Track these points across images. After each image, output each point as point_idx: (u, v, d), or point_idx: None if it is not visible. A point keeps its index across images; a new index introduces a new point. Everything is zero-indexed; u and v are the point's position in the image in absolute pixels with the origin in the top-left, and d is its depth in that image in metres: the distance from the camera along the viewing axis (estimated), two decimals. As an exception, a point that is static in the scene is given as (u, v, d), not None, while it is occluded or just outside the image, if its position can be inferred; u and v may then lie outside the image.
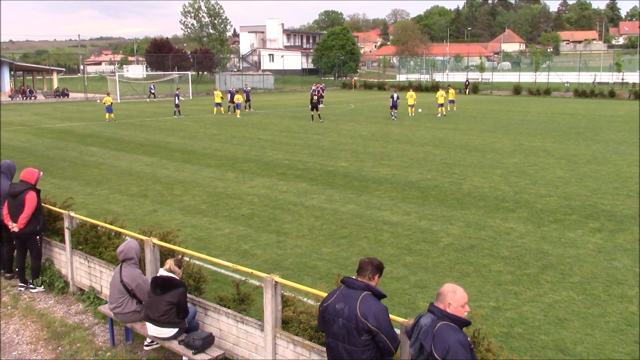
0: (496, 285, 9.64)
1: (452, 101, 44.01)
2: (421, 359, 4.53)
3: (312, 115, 37.38)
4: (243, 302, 7.19)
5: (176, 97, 42.08)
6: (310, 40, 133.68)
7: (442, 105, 40.38)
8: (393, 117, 38.00)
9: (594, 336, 7.92)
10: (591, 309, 8.75)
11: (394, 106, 38.06)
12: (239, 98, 41.43)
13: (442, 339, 4.37)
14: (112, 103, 38.66)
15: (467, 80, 71.67)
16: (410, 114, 40.52)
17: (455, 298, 4.60)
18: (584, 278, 9.98)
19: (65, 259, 9.56)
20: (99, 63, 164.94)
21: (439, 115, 39.98)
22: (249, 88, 48.36)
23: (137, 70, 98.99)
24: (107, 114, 38.06)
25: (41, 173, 9.87)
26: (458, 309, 4.57)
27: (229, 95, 44.12)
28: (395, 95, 38.36)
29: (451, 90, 44.44)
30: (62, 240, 9.66)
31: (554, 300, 9.05)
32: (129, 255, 7.51)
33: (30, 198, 9.23)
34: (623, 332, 8.01)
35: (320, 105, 48.03)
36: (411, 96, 41.05)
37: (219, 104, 43.04)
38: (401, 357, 5.40)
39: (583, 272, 10.26)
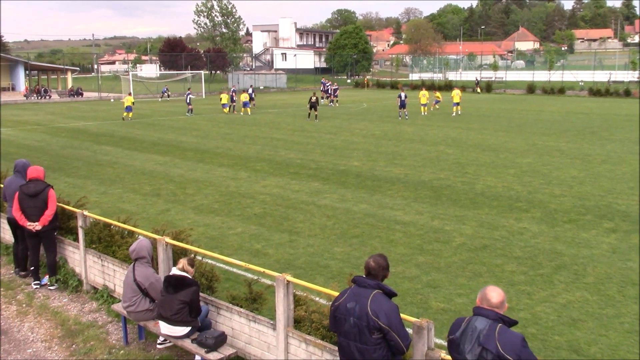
0: (509, 286, 9.59)
1: (437, 101, 44.51)
2: None
3: (315, 115, 37.39)
4: (255, 301, 7.20)
5: (187, 96, 42.91)
6: (323, 39, 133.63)
7: (457, 104, 40.16)
8: (400, 117, 37.74)
9: (609, 337, 7.86)
10: (605, 310, 8.68)
11: (403, 106, 37.80)
12: (245, 96, 42.12)
13: (508, 340, 4.41)
14: (133, 103, 39.11)
15: (477, 79, 71.77)
16: (422, 113, 40.42)
17: (506, 301, 4.73)
18: (598, 278, 9.91)
19: (79, 258, 9.63)
20: (113, 62, 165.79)
21: (454, 114, 39.82)
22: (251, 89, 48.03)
23: (150, 70, 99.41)
24: (125, 113, 38.42)
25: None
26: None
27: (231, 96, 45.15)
28: (402, 95, 38.00)
29: (437, 93, 45.50)
30: (76, 239, 9.73)
31: (567, 301, 9.00)
32: (141, 254, 7.55)
33: (53, 195, 9.43)
34: (638, 333, 7.94)
35: (337, 104, 48.33)
36: (424, 95, 40.93)
37: (225, 105, 43.59)
38: (413, 357, 5.39)
39: (597, 272, 10.19)
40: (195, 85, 65.44)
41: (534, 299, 9.09)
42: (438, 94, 46.37)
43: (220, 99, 44.43)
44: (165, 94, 61.41)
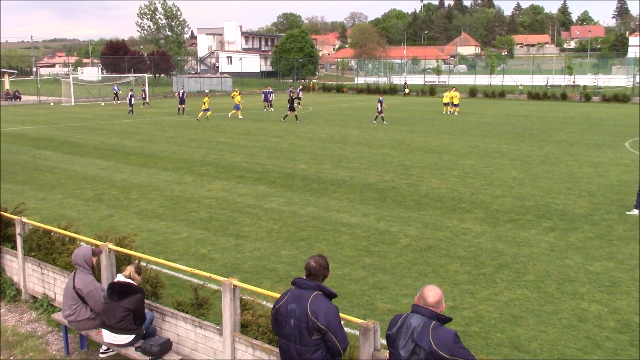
0: (453, 285, 9.78)
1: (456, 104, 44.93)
2: (414, 359, 4.60)
3: (296, 115, 38.45)
4: (201, 307, 7.13)
5: (132, 97, 44.36)
6: (269, 43, 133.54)
7: (447, 104, 43.91)
8: (384, 122, 36.67)
9: (548, 333, 8.11)
10: (544, 307, 8.95)
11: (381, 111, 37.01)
12: (238, 99, 42.02)
13: (442, 337, 4.56)
14: (208, 102, 39.98)
15: (405, 83, 74.22)
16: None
17: (444, 301, 4.88)
18: (538, 276, 10.21)
19: (17, 266, 9.32)
20: (53, 65, 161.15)
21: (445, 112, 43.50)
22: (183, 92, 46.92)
23: (92, 73, 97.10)
24: (201, 113, 39.74)
25: None
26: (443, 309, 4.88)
27: (178, 97, 45.43)
28: (381, 99, 37.53)
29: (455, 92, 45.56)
30: (14, 247, 9.41)
31: (509, 299, 9.24)
32: (76, 261, 7.36)
33: None
34: (575, 328, 8.22)
35: (271, 109, 47.96)
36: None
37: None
38: (360, 357, 5.44)
39: (537, 270, 10.50)
40: (139, 89, 64.24)
41: (477, 297, 9.30)
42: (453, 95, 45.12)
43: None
44: (116, 96, 59.54)
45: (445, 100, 45.07)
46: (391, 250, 11.63)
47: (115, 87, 61.06)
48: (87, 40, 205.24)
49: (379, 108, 36.97)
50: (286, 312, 5.17)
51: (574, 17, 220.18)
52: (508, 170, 20.17)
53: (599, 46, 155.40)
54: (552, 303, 9.09)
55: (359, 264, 10.82)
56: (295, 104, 40.54)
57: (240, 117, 40.85)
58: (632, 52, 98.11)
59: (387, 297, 9.31)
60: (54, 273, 8.64)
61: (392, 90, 73.39)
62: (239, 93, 43.38)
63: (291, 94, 45.64)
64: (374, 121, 37.24)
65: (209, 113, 40.05)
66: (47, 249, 8.93)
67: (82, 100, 61.74)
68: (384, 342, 7.01)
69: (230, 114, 41.44)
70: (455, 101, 44.47)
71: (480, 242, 12.14)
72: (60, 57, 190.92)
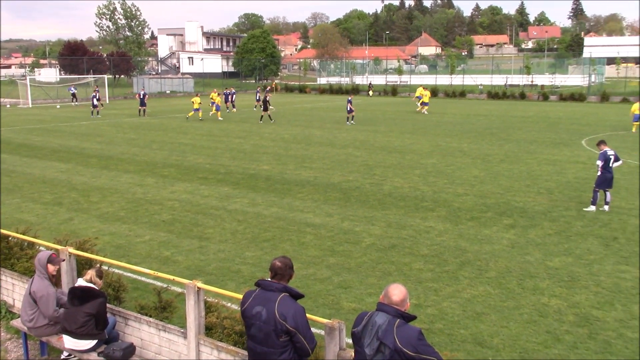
0: (417, 283, 9.88)
1: (426, 103, 45.75)
2: (379, 358, 4.63)
3: (266, 115, 38.74)
4: (165, 310, 7.06)
5: (94, 98, 43.82)
6: (231, 43, 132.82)
7: (419, 98, 46.01)
8: (347, 123, 36.53)
9: (509, 328, 8.26)
10: (506, 302, 9.11)
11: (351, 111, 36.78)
12: (217, 99, 41.61)
13: (406, 335, 4.59)
14: (200, 103, 39.88)
15: (370, 83, 74.97)
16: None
17: (409, 299, 4.91)
18: (499, 273, 10.38)
19: (-26, 273, 9.07)
20: (9, 66, 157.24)
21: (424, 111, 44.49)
22: (144, 93, 46.01)
23: (49, 74, 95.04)
24: (191, 113, 40.19)
25: None
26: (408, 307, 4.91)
27: (138, 99, 44.55)
28: (350, 99, 37.43)
29: (426, 92, 46.71)
30: (-30, 253, 9.17)
31: (472, 296, 9.37)
32: (35, 265, 7.21)
33: None
34: (536, 323, 8.39)
35: (233, 110, 47.68)
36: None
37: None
38: (325, 357, 5.45)
39: (498, 267, 10.68)
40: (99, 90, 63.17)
41: (441, 295, 9.41)
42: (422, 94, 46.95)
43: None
44: (74, 96, 58.33)
45: (417, 94, 47.90)
46: (355, 249, 11.69)
47: (72, 88, 59.96)
48: (45, 41, 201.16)
49: (349, 108, 36.81)
50: (252, 315, 5.16)
51: (531, 18, 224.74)
52: (469, 169, 20.46)
53: (555, 46, 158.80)
54: (513, 299, 9.26)
55: (323, 264, 10.84)
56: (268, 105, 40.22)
57: (219, 118, 40.86)
58: (587, 52, 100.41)
59: (352, 296, 9.36)
60: (12, 279, 8.45)
61: (355, 90, 73.70)
62: (218, 94, 42.93)
63: (260, 94, 45.54)
64: (351, 122, 36.68)
65: (200, 113, 39.81)
66: (5, 254, 8.72)
67: (40, 101, 60.42)
68: (350, 341, 7.05)
69: (217, 116, 41.08)
70: (425, 99, 45.60)
71: (443, 240, 12.29)
72: (16, 57, 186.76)
